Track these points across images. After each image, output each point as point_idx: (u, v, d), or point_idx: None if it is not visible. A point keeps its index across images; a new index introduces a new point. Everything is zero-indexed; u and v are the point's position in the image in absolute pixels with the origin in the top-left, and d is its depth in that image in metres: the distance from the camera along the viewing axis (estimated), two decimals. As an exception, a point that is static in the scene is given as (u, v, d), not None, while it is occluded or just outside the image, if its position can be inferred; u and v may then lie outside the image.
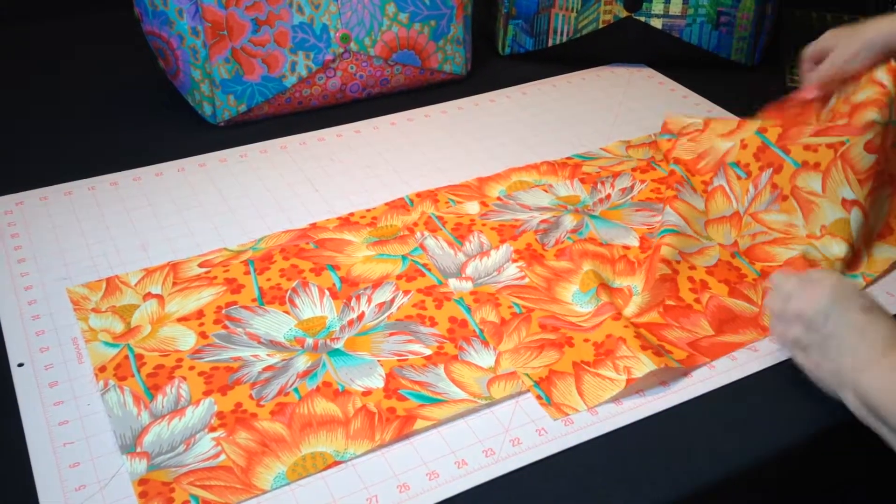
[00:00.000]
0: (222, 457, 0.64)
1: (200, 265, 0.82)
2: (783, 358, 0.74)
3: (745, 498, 0.69)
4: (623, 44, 1.19)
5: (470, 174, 0.97)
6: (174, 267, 0.82)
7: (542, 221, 0.89)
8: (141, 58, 1.13)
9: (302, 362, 0.72)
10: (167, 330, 0.75)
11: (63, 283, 0.80)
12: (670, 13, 1.15)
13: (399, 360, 0.72)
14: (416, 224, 0.88)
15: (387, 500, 0.61)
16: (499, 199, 0.92)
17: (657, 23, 1.16)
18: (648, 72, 1.20)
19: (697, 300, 0.79)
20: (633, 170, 0.96)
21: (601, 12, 1.16)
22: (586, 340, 0.74)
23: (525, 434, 0.66)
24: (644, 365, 0.70)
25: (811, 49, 0.89)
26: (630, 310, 0.78)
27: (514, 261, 0.83)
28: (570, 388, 0.71)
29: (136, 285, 0.79)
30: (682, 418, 0.69)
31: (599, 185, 0.94)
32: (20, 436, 0.66)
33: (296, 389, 0.70)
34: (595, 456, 0.65)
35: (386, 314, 0.77)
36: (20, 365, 0.72)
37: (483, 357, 0.73)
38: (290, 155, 1.00)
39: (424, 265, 0.82)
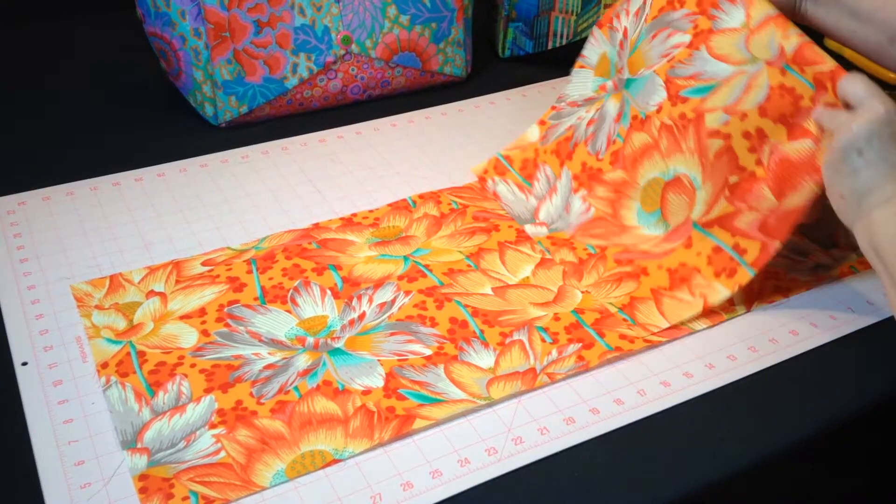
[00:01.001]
0: (222, 454, 0.65)
1: (203, 263, 0.82)
2: (784, 358, 0.74)
3: (746, 497, 0.69)
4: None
5: (471, 175, 0.97)
6: (177, 265, 0.82)
7: (589, 123, 0.88)
8: (143, 59, 1.13)
9: (302, 361, 0.72)
10: (169, 327, 0.75)
11: (66, 283, 0.80)
12: (670, 16, 1.15)
13: (399, 360, 0.73)
14: (486, 171, 0.92)
15: (390, 499, 0.62)
16: (553, 107, 0.94)
17: (657, 26, 1.16)
18: (648, 75, 1.21)
19: (759, 162, 0.76)
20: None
21: (601, 15, 1.16)
22: (660, 267, 0.79)
23: (527, 433, 0.67)
24: (718, 293, 0.76)
25: None
26: (698, 209, 0.79)
27: (576, 190, 0.86)
28: (651, 309, 0.77)
29: (139, 283, 0.80)
30: (684, 417, 0.69)
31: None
32: (25, 434, 0.66)
33: (296, 388, 0.70)
34: (597, 455, 0.66)
35: (387, 314, 0.77)
36: (24, 364, 0.72)
37: (483, 358, 0.73)
38: (291, 156, 1.01)
39: (426, 266, 0.83)
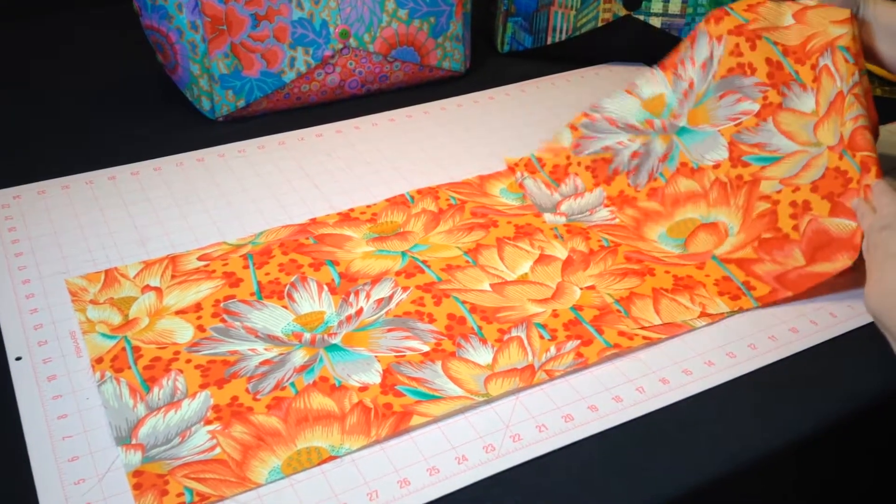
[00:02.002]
0: (217, 450, 0.64)
1: (199, 258, 0.82)
2: (784, 356, 0.74)
3: (745, 495, 0.69)
4: (622, 42, 1.18)
5: (470, 171, 0.97)
6: (173, 260, 0.82)
7: (633, 156, 0.91)
8: (139, 52, 1.13)
9: (299, 357, 0.72)
10: (165, 322, 0.75)
11: (61, 277, 0.80)
12: (669, 12, 1.15)
13: (396, 357, 0.72)
14: (517, 164, 0.94)
15: (387, 495, 0.61)
16: (585, 114, 0.95)
17: (656, 21, 1.16)
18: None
19: (796, 227, 0.80)
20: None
21: (600, 10, 1.16)
22: (667, 272, 0.81)
23: (525, 430, 0.66)
24: (718, 307, 0.77)
25: None
26: (723, 249, 0.82)
27: (606, 206, 0.88)
28: (647, 306, 0.78)
29: (134, 277, 0.79)
30: (682, 415, 0.69)
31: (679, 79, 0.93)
32: (19, 430, 0.65)
33: (292, 384, 0.69)
34: (595, 452, 0.65)
35: (384, 310, 0.77)
36: (18, 359, 0.71)
37: (481, 354, 0.73)
38: (288, 150, 1.00)
39: (424, 261, 0.82)
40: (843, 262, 0.77)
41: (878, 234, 0.70)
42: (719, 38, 0.90)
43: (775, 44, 0.88)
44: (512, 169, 0.95)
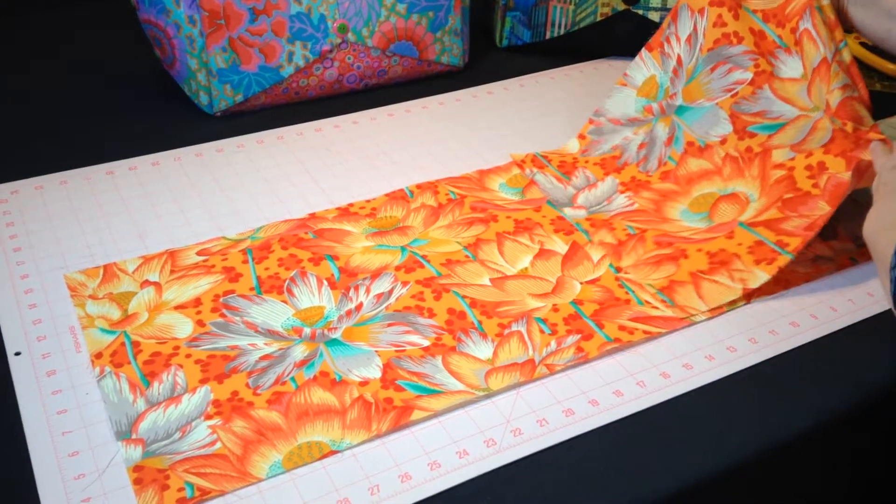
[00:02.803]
0: (218, 445, 0.64)
1: (198, 253, 0.82)
2: (784, 350, 0.74)
3: (746, 489, 0.69)
4: (621, 37, 1.18)
5: (469, 166, 0.96)
6: (172, 255, 0.81)
7: (640, 147, 0.92)
8: (137, 47, 1.13)
9: (299, 352, 0.72)
10: (164, 317, 0.74)
11: (59, 272, 0.79)
12: (668, 6, 1.15)
13: (397, 351, 0.72)
14: (524, 161, 0.94)
15: (388, 490, 0.61)
16: (591, 121, 0.96)
17: (655, 16, 1.15)
18: (646, 65, 1.20)
19: (815, 185, 0.80)
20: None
21: (599, 5, 1.16)
22: (699, 251, 0.81)
23: (526, 424, 0.66)
24: (758, 278, 0.77)
25: None
26: (748, 214, 0.82)
27: (622, 192, 0.89)
28: (690, 293, 0.77)
29: (133, 272, 0.79)
30: (684, 409, 0.68)
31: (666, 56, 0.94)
32: (18, 425, 0.65)
33: (293, 378, 0.69)
34: (596, 446, 0.65)
35: (384, 305, 0.77)
36: (17, 354, 0.71)
37: (481, 349, 0.73)
38: (287, 145, 1.00)
39: (423, 256, 0.82)
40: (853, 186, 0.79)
41: (890, 172, 0.74)
42: (701, 11, 0.91)
43: (754, 12, 0.89)
44: (520, 165, 0.95)
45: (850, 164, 0.80)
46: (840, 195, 0.79)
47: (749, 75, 0.88)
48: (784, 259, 0.78)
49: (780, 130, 0.86)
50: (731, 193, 0.85)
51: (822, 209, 0.79)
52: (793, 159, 0.83)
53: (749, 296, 0.79)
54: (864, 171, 0.80)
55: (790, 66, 0.87)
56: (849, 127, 0.82)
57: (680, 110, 0.91)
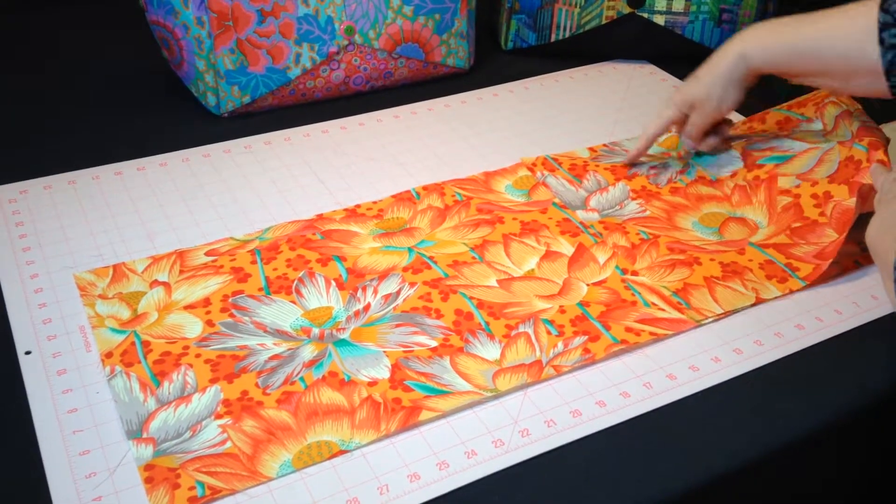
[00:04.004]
0: (228, 444, 0.64)
1: (207, 254, 0.82)
2: (790, 352, 0.74)
3: (752, 491, 0.69)
4: (626, 40, 1.19)
5: (474, 167, 0.97)
6: (181, 255, 0.82)
7: (652, 168, 0.95)
8: (145, 48, 1.13)
9: (308, 352, 0.72)
10: (174, 317, 0.75)
11: (69, 272, 0.80)
12: (673, 10, 1.15)
13: (405, 352, 0.73)
14: (534, 164, 0.96)
15: (397, 490, 0.62)
16: (604, 145, 1.01)
17: (660, 19, 1.16)
18: (651, 68, 1.21)
19: (822, 213, 0.84)
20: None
21: (604, 8, 1.16)
22: (712, 260, 0.83)
23: (534, 425, 0.67)
24: (770, 291, 0.79)
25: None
26: (758, 237, 0.85)
27: (633, 198, 0.91)
28: (705, 295, 0.79)
29: (142, 272, 0.79)
30: (690, 411, 0.69)
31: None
32: (29, 424, 0.66)
33: (301, 378, 0.70)
34: (603, 447, 0.66)
35: (392, 305, 0.77)
36: (27, 353, 0.72)
37: (489, 350, 0.73)
38: (294, 146, 1.00)
39: (430, 258, 0.82)
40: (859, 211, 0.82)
41: (893, 184, 0.75)
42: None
43: (779, 108, 0.99)
44: (530, 168, 0.96)
45: (854, 189, 0.82)
46: (847, 221, 0.82)
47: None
48: (795, 283, 0.80)
49: (787, 161, 0.91)
50: (739, 217, 0.89)
51: (831, 236, 0.82)
52: (798, 186, 0.87)
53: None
54: (867, 195, 0.82)
55: (811, 125, 0.95)
56: (865, 142, 0.85)
57: (696, 155, 0.97)
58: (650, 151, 0.98)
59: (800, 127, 0.96)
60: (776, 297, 0.79)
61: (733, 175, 0.93)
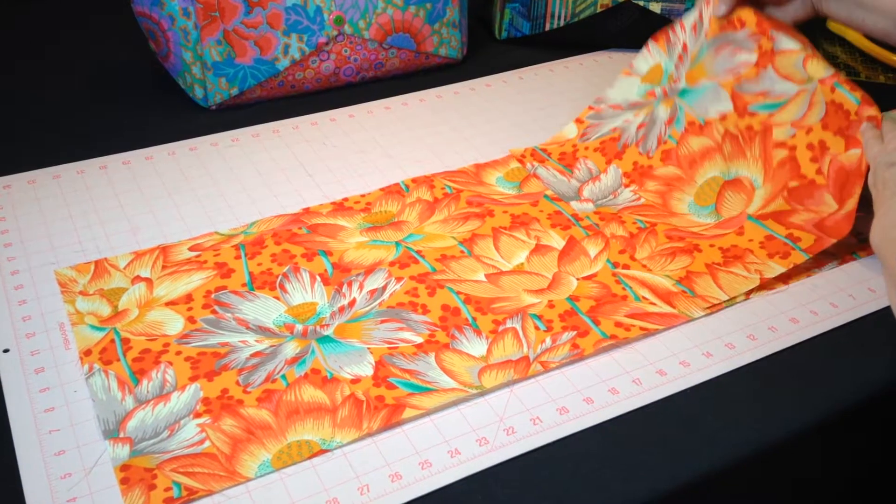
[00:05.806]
0: (207, 443, 0.63)
1: (191, 249, 0.81)
2: (783, 346, 0.73)
3: (744, 488, 0.68)
4: (621, 28, 1.17)
5: (466, 159, 0.95)
6: (164, 250, 0.80)
7: (640, 127, 0.92)
8: (131, 40, 1.12)
9: (291, 349, 0.71)
10: (155, 314, 0.73)
11: (50, 268, 0.79)
12: (669, -3, 1.14)
13: (389, 348, 0.71)
14: (523, 156, 0.94)
15: (378, 490, 0.60)
16: (591, 108, 0.97)
17: (656, 7, 1.14)
18: (647, 57, 1.19)
19: (819, 171, 0.81)
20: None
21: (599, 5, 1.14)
22: (712, 245, 0.82)
23: (519, 423, 0.65)
24: (774, 270, 0.78)
25: None
26: (755, 204, 0.83)
27: (626, 185, 0.89)
28: (708, 282, 0.78)
29: (124, 268, 0.78)
30: (680, 407, 0.68)
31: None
32: (5, 423, 0.64)
33: (283, 376, 0.68)
34: (591, 445, 0.64)
35: (377, 301, 0.76)
36: (5, 351, 0.70)
37: (475, 346, 0.72)
38: (282, 139, 0.99)
39: (418, 252, 0.81)
40: (857, 192, 0.79)
41: (886, 170, 0.73)
42: (706, 0, 0.91)
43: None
44: (520, 160, 0.94)
45: (850, 144, 0.80)
46: (843, 186, 0.79)
47: (753, 57, 0.87)
48: (799, 256, 0.79)
49: (781, 108, 0.85)
50: (734, 179, 0.85)
51: (829, 204, 0.80)
52: (793, 136, 0.83)
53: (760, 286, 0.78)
54: (859, 163, 0.79)
55: (789, 40, 0.87)
56: (854, 91, 0.81)
57: (683, 93, 0.91)
58: (634, 96, 0.95)
59: (778, 34, 0.87)
60: (765, 288, 0.78)
61: (723, 119, 0.88)
